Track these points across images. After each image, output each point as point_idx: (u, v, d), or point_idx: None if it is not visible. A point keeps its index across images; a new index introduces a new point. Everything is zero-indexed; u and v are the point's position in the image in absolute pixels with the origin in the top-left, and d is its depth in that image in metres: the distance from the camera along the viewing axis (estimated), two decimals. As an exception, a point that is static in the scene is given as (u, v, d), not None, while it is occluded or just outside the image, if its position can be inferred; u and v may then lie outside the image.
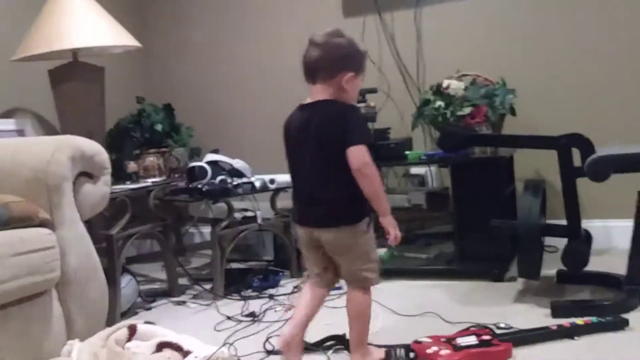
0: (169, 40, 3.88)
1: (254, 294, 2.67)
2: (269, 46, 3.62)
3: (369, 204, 1.74)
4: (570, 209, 2.25)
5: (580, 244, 2.33)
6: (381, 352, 1.88)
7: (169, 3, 3.89)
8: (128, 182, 2.84)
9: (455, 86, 2.77)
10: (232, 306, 2.54)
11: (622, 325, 1.94)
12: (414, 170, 3.25)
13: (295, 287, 2.69)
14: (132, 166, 2.93)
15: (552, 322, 1.97)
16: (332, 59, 1.74)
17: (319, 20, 3.46)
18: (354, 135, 1.68)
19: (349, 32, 3.34)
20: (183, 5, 3.84)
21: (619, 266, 2.21)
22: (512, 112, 2.79)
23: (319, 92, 1.77)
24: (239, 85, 3.72)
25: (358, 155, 1.67)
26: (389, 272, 2.72)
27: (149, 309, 2.64)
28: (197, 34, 3.81)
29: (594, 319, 1.95)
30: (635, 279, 2.13)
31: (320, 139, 1.72)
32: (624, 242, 2.18)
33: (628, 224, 2.16)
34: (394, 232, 1.77)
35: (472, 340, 1.84)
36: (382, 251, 2.89)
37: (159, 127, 3.32)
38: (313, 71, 1.76)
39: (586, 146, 2.28)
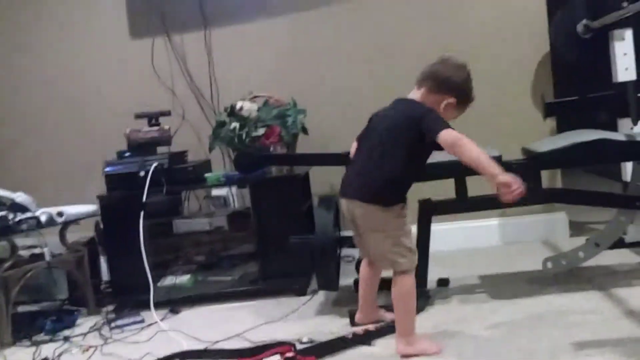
0: None
1: (47, 337, 2.46)
2: (52, 68, 3.40)
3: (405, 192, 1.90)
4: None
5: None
6: (431, 344, 1.87)
7: None
8: None
9: (249, 107, 2.80)
10: (22, 353, 2.31)
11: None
12: (216, 192, 3.23)
13: (91, 327, 2.53)
14: None
15: (350, 330, 2.07)
16: (446, 79, 1.90)
17: (104, 42, 3.34)
18: (436, 124, 1.79)
19: (136, 53, 3.31)
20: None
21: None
22: (305, 131, 2.89)
23: (415, 95, 1.93)
24: (17, 111, 3.44)
25: (448, 137, 1.76)
26: (194, 299, 2.67)
27: None
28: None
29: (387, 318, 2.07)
30: (422, 281, 2.29)
31: (392, 126, 1.88)
32: (411, 247, 2.35)
33: (413, 229, 2.32)
34: (516, 188, 1.71)
35: (276, 359, 1.85)
36: (185, 277, 2.83)
37: None
38: (424, 78, 1.92)
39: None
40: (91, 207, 2.77)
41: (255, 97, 2.93)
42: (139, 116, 2.94)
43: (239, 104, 2.83)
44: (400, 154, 1.85)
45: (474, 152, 1.75)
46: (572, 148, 2.19)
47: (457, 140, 1.76)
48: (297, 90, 3.00)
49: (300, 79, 3.19)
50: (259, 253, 2.75)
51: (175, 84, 3.28)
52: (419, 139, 1.84)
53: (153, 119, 2.94)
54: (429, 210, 2.31)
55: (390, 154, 1.86)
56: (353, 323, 2.15)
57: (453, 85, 1.90)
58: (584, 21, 2.78)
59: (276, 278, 2.70)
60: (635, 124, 2.56)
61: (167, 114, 3.01)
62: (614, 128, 2.67)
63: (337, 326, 2.17)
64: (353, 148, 2.06)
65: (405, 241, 1.89)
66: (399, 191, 1.90)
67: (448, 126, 1.80)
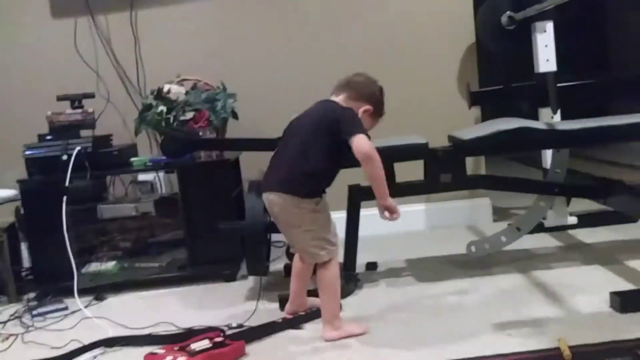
0: None
1: (-36, 327, 2.36)
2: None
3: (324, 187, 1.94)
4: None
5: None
6: (356, 326, 1.92)
7: None
8: None
9: (176, 91, 2.75)
10: None
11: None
12: (142, 177, 3.16)
13: (11, 315, 2.43)
14: None
15: (280, 315, 2.08)
16: (365, 88, 2.00)
17: (25, 21, 3.20)
18: (352, 127, 1.85)
19: (58, 34, 3.17)
20: None
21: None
22: (234, 115, 2.86)
23: (335, 99, 1.99)
24: None
25: (364, 143, 1.82)
26: (120, 286, 2.61)
27: None
28: None
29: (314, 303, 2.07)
30: (351, 265, 2.32)
31: (311, 122, 1.93)
32: (341, 232, 2.37)
33: (342, 215, 2.35)
34: (394, 213, 1.90)
35: (205, 344, 1.83)
36: (110, 264, 2.77)
37: None
38: (344, 86, 2.00)
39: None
40: (11, 192, 2.66)
41: (184, 80, 2.88)
42: (61, 98, 2.84)
43: (166, 87, 2.78)
44: (321, 150, 1.88)
45: (381, 172, 1.86)
46: (495, 135, 2.25)
47: (373, 153, 1.83)
48: (227, 74, 2.96)
49: (230, 62, 3.15)
50: (187, 239, 2.72)
51: (99, 65, 3.18)
52: (339, 136, 1.87)
53: (76, 101, 2.84)
54: (358, 196, 2.34)
55: (311, 149, 1.89)
56: (282, 307, 2.16)
57: (370, 95, 2.00)
58: (508, 13, 2.86)
59: (205, 264, 2.67)
60: (554, 113, 2.67)
61: (90, 96, 2.91)
62: (535, 117, 2.77)
63: (266, 311, 2.17)
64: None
65: (323, 234, 1.92)
66: (316, 185, 1.92)
67: (364, 132, 1.86)
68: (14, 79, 3.21)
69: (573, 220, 2.67)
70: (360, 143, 1.83)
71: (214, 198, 2.69)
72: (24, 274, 2.85)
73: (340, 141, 1.87)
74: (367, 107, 1.98)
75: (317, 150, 1.88)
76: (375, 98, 2.00)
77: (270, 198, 1.92)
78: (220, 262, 2.66)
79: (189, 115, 2.72)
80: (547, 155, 2.77)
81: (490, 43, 3.03)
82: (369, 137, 1.88)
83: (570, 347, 1.61)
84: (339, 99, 1.99)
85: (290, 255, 2.45)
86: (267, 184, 1.95)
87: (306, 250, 1.94)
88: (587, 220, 2.69)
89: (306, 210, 1.89)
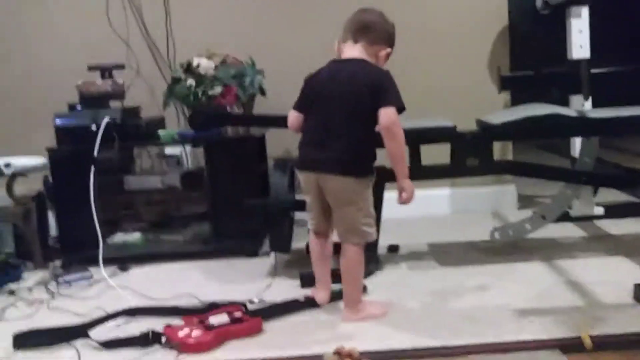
0: None
1: (-9, 290, 2.42)
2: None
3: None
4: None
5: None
6: (377, 307, 1.91)
7: None
8: None
9: (206, 65, 2.75)
10: (-36, 307, 2.27)
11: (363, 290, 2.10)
12: (169, 150, 3.18)
13: (37, 282, 2.48)
14: None
15: (302, 293, 2.08)
16: (384, 29, 1.91)
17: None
18: (388, 96, 1.79)
19: (90, 3, 3.16)
20: None
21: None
22: (262, 92, 2.86)
23: (356, 51, 1.89)
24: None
25: (389, 115, 1.77)
26: (144, 257, 2.65)
27: None
28: None
29: (335, 287, 2.05)
30: (373, 246, 2.32)
31: (351, 92, 1.82)
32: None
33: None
34: (408, 194, 1.84)
35: (224, 318, 1.85)
36: (135, 235, 2.80)
37: None
38: (363, 30, 1.89)
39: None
40: (40, 160, 2.69)
41: (213, 54, 2.88)
42: (92, 68, 2.85)
43: (195, 61, 2.78)
44: (368, 122, 1.81)
45: (401, 144, 1.81)
46: (524, 121, 2.23)
47: (397, 128, 1.78)
48: (256, 50, 2.95)
49: (260, 39, 3.14)
50: (211, 213, 2.74)
51: (130, 36, 3.19)
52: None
53: (107, 71, 2.85)
54: (383, 177, 2.31)
55: (361, 122, 1.81)
56: (304, 284, 2.17)
57: (390, 36, 1.94)
58: (543, -3, 2.81)
59: (228, 239, 2.70)
60: (586, 100, 2.63)
61: (121, 67, 2.92)
62: (566, 104, 2.72)
63: (287, 287, 2.19)
64: (293, 117, 1.97)
65: (371, 210, 1.89)
66: (372, 160, 1.88)
67: (401, 105, 1.81)
68: (46, 47, 3.23)
69: (599, 210, 2.64)
70: (389, 114, 1.77)
71: (239, 173, 2.70)
72: (50, 241, 2.90)
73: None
74: (389, 49, 1.93)
75: (368, 122, 1.81)
76: (392, 36, 1.94)
77: (324, 178, 1.83)
78: (244, 238, 2.68)
79: (217, 90, 2.72)
80: (576, 144, 2.73)
81: (523, 27, 2.99)
82: (402, 109, 1.82)
83: (592, 337, 1.60)
84: (358, 48, 1.89)
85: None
86: (314, 164, 1.85)
87: (357, 229, 1.86)
88: (613, 211, 2.66)
89: (364, 186, 1.85)
